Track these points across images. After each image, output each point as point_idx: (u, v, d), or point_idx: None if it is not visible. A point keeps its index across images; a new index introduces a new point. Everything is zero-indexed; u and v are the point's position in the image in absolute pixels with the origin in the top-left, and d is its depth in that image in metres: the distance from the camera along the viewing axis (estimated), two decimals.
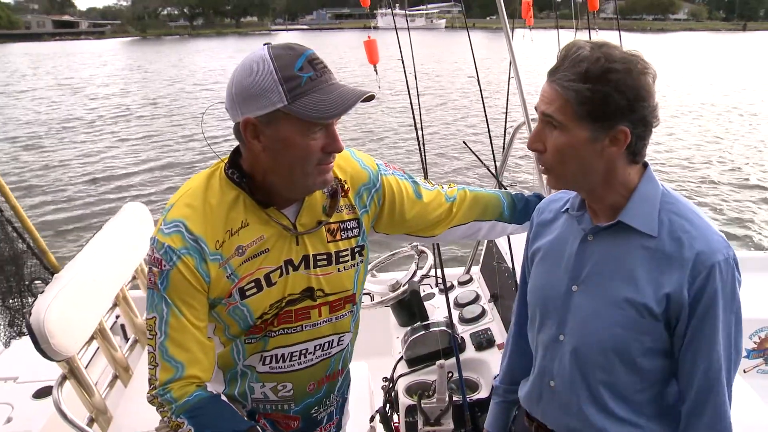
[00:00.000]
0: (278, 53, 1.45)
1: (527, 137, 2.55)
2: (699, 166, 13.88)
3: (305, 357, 1.75)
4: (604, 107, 1.33)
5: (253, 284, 1.60)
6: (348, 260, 1.74)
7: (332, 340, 1.79)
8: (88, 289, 2.44)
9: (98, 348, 2.62)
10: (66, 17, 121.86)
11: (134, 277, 3.05)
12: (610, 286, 1.45)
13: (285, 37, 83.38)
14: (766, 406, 2.17)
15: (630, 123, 1.35)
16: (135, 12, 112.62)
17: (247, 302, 1.60)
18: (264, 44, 1.50)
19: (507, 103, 3.21)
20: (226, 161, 1.62)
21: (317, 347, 1.76)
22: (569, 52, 1.36)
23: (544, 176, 1.53)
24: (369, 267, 3.17)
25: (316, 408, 1.87)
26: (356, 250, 1.76)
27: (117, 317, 3.00)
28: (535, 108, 1.45)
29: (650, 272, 1.40)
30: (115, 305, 2.83)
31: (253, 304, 1.61)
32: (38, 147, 16.34)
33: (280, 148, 1.49)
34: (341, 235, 1.72)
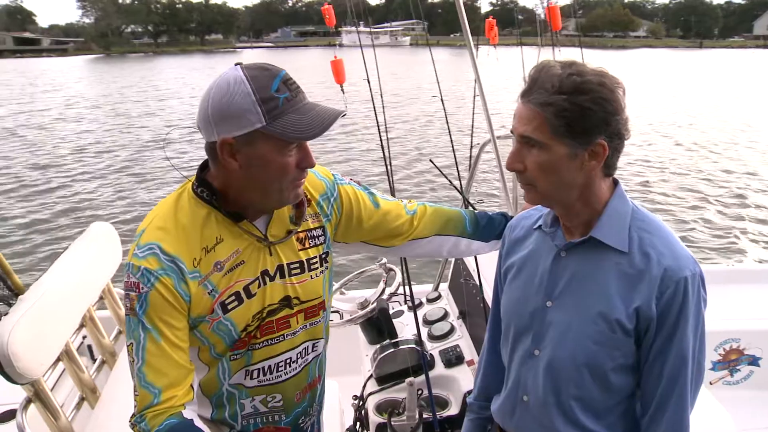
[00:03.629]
0: (254, 74, 1.48)
1: (494, 155, 2.61)
2: (674, 177, 14.18)
3: (290, 366, 1.78)
4: (582, 121, 1.35)
5: (233, 297, 1.61)
6: (318, 267, 1.78)
7: (308, 347, 1.81)
8: (54, 310, 2.39)
9: (64, 369, 2.57)
10: (27, 34, 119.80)
11: (101, 297, 3.00)
12: (583, 301, 1.47)
13: (250, 54, 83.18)
14: (731, 417, 2.21)
15: (606, 136, 1.37)
16: (98, 29, 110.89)
17: (230, 316, 1.61)
18: (236, 64, 1.52)
19: (473, 122, 3.23)
20: (193, 180, 1.63)
21: (298, 355, 1.79)
22: (540, 72, 1.38)
23: (521, 192, 1.55)
24: (337, 285, 3.19)
25: (303, 418, 1.89)
26: (323, 256, 1.81)
27: (84, 338, 2.95)
28: (512, 131, 1.46)
29: (621, 287, 1.43)
30: (81, 326, 2.78)
31: (236, 317, 1.62)
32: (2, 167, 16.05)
33: (257, 166, 1.52)
34: (309, 243, 1.77)
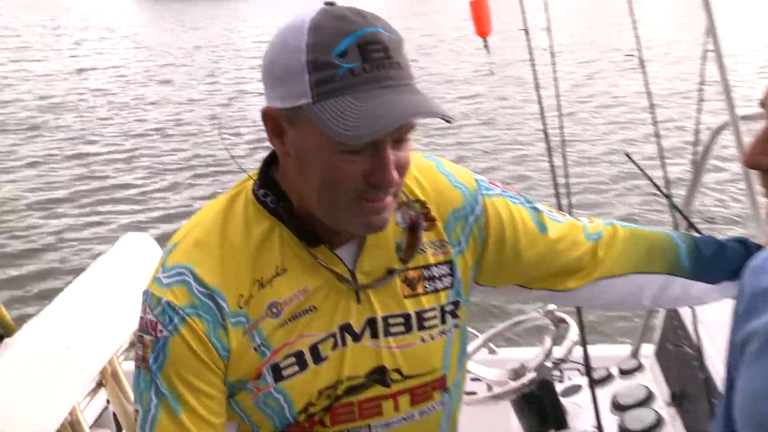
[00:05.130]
0: (322, 22, 1.39)
1: (734, 146, 2.46)
2: None
3: None
4: None
5: (293, 359, 1.56)
6: (436, 325, 1.70)
7: None
8: (55, 362, 2.41)
9: None
10: None
11: (132, 343, 3.05)
12: None
13: None
14: None
15: None
16: None
17: (284, 386, 1.57)
18: (324, 2, 1.45)
19: (700, 94, 3.08)
20: (254, 178, 1.61)
21: None
22: None
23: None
24: (480, 340, 3.14)
25: None
26: (447, 309, 1.72)
27: (108, 402, 2.99)
28: (761, 103, 1.32)
29: None
30: (100, 385, 2.81)
31: (294, 389, 1.57)
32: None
33: (306, 158, 1.47)
34: (426, 287, 1.69)
